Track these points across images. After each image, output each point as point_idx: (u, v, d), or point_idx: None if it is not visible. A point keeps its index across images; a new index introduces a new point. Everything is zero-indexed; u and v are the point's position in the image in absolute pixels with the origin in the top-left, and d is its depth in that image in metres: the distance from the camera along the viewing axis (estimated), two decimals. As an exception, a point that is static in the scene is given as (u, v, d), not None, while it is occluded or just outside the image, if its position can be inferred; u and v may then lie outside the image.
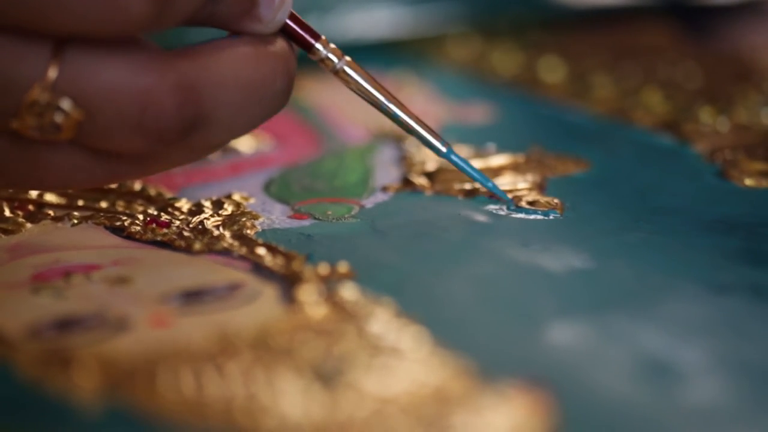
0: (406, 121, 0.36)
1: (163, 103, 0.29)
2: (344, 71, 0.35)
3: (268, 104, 0.32)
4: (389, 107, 0.36)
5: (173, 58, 0.30)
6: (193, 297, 0.32)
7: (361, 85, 0.35)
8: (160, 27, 0.29)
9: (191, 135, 0.30)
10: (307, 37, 0.34)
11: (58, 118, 0.29)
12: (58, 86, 0.28)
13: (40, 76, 0.28)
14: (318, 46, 0.34)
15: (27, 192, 0.38)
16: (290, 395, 0.27)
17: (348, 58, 0.35)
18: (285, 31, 0.33)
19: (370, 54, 0.58)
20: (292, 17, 0.33)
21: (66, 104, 0.29)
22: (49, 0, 0.27)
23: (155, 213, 0.37)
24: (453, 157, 0.37)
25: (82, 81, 0.29)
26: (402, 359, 0.29)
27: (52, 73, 0.28)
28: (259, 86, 0.31)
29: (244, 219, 0.37)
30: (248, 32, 0.32)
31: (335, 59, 0.35)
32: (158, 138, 0.30)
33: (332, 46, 0.35)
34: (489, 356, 0.29)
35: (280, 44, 0.33)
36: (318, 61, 0.35)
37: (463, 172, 0.38)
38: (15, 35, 0.28)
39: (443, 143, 0.37)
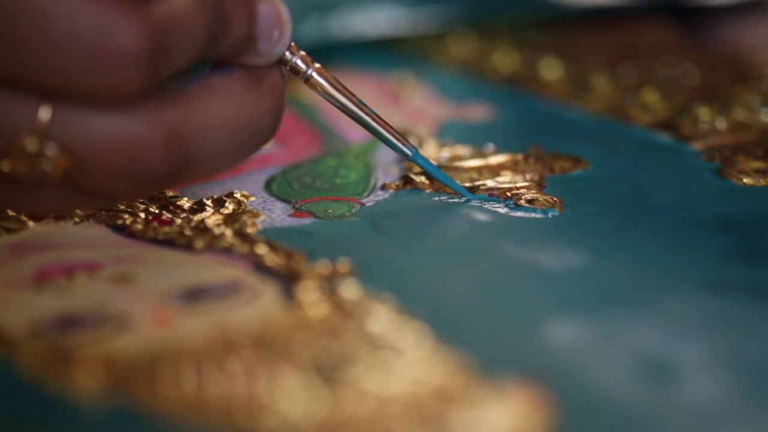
0: (374, 126, 0.37)
1: (151, 152, 0.29)
2: (313, 78, 0.35)
3: (254, 142, 0.32)
4: (358, 114, 0.37)
5: (162, 105, 0.30)
6: (194, 295, 0.32)
7: (330, 92, 0.36)
8: (155, 84, 0.29)
9: (176, 178, 0.31)
10: None
11: (46, 166, 0.29)
12: (47, 134, 0.29)
13: (30, 124, 0.29)
14: (287, 54, 0.34)
15: None
16: (291, 393, 0.27)
17: (317, 65, 0.35)
18: None
19: (370, 54, 0.59)
20: None
21: (52, 151, 0.29)
22: (47, 68, 0.28)
23: (157, 211, 0.38)
24: (419, 160, 0.38)
25: (72, 130, 0.29)
26: (402, 357, 0.29)
27: (42, 121, 0.29)
28: (246, 126, 0.32)
29: (245, 217, 0.37)
30: (245, 65, 0.32)
31: (304, 66, 0.35)
32: (144, 183, 0.30)
33: (302, 53, 0.35)
34: (488, 354, 0.29)
35: (274, 77, 0.33)
36: (288, 68, 0.35)
37: (431, 174, 0.39)
38: (7, 83, 0.28)
39: (410, 147, 0.38)
